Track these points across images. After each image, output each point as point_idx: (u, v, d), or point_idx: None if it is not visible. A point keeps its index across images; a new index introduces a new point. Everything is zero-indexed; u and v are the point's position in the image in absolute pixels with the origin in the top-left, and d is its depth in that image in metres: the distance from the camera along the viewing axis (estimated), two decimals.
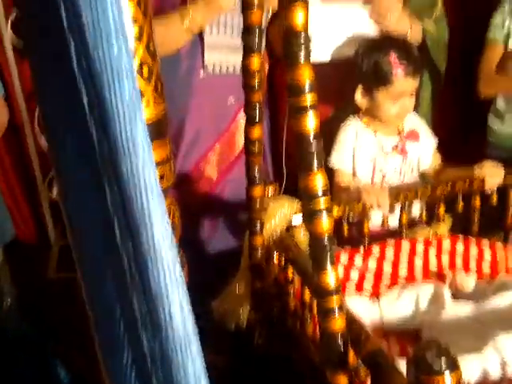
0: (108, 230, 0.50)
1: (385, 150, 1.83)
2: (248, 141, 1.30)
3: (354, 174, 1.84)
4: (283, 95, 1.05)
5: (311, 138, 0.91)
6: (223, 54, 1.80)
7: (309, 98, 0.90)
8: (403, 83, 1.74)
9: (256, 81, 1.30)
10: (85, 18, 0.55)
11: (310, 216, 0.95)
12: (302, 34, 0.87)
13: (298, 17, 0.86)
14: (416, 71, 1.76)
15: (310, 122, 0.91)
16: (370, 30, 1.88)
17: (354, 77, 1.80)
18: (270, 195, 1.53)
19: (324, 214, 0.94)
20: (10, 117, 1.81)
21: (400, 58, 1.72)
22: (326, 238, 0.95)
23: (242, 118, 1.75)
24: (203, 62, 1.79)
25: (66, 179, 0.52)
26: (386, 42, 1.78)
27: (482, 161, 1.79)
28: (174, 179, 0.88)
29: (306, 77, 0.89)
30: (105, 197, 0.49)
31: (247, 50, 1.28)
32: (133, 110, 0.54)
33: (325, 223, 0.94)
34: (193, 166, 1.88)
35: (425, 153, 1.88)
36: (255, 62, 1.28)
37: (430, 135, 1.90)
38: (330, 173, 1.81)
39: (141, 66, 0.85)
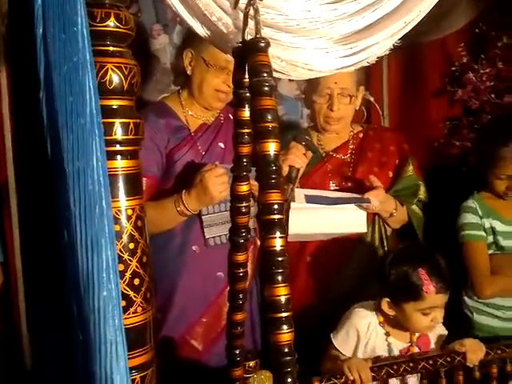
0: None
1: (392, 354, 1.81)
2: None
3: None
4: None
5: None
6: (220, 226, 1.94)
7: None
8: (435, 299, 1.72)
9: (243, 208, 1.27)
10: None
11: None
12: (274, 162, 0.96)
13: (271, 147, 0.96)
14: (447, 287, 1.74)
15: None
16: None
17: (379, 285, 1.81)
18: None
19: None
20: None
21: (430, 275, 1.71)
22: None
23: None
24: (196, 237, 1.92)
25: None
26: (415, 256, 1.78)
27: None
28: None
29: (276, 197, 0.97)
30: None
31: (236, 179, 1.26)
32: None
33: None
34: (178, 337, 1.92)
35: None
36: (243, 188, 1.26)
37: (442, 331, 1.88)
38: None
39: (132, 277, 0.94)
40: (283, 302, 0.96)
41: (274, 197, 0.97)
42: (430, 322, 1.75)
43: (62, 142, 0.65)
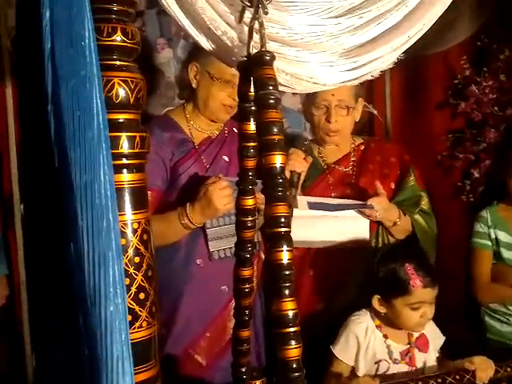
0: None
1: (393, 357, 1.81)
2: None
3: (355, 371, 1.80)
4: None
5: None
6: (224, 240, 1.93)
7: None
8: (422, 294, 1.75)
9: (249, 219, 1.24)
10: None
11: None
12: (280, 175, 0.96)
13: (277, 159, 0.95)
14: (434, 281, 1.76)
15: None
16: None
17: (370, 284, 1.85)
18: None
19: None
20: None
21: (417, 270, 1.74)
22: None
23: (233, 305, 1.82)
24: (201, 250, 1.92)
25: None
26: (402, 253, 1.83)
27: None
28: None
29: (283, 210, 0.95)
30: None
31: (241, 193, 1.24)
32: None
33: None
34: (182, 351, 1.91)
35: (431, 358, 1.85)
36: (249, 202, 1.24)
37: (438, 336, 1.88)
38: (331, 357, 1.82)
39: (138, 291, 0.94)
40: (291, 317, 0.94)
41: (281, 209, 0.96)
42: (419, 317, 1.77)
43: (69, 156, 0.65)
